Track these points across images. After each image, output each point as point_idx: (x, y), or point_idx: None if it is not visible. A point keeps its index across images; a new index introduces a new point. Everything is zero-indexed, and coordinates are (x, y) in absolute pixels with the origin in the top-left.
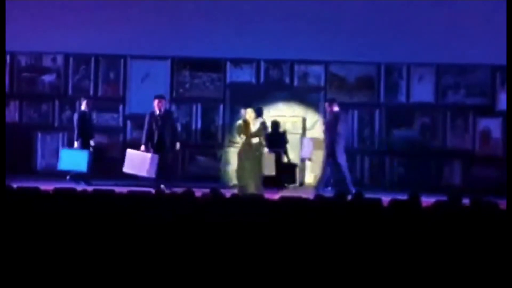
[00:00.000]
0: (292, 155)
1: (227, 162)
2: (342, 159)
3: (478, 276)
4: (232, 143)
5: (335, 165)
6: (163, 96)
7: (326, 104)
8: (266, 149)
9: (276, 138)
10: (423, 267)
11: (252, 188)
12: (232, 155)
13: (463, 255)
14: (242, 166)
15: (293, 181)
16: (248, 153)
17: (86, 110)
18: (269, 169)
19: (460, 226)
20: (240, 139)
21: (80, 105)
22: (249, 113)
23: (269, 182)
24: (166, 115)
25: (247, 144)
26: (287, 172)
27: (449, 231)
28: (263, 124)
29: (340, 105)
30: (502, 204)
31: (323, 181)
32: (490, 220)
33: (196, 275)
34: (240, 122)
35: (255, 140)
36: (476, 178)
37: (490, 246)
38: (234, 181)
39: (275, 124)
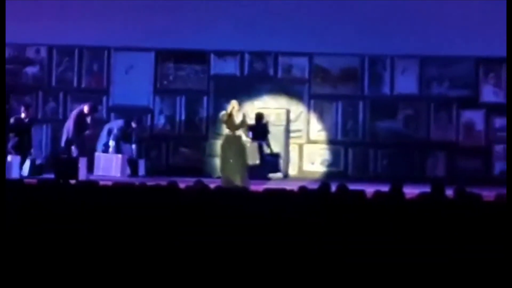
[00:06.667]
0: (277, 147)
1: (211, 154)
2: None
3: (462, 268)
4: (217, 135)
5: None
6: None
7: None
8: (249, 139)
9: (259, 130)
10: (407, 259)
11: (236, 181)
12: (217, 147)
13: (447, 247)
14: (226, 158)
15: (277, 170)
16: (232, 145)
17: (25, 118)
18: (253, 158)
19: (444, 218)
20: (224, 131)
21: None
22: (233, 105)
23: (253, 173)
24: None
25: (230, 136)
26: (270, 162)
27: (433, 223)
28: (244, 116)
29: (324, 97)
30: (485, 195)
31: None
32: (473, 212)
33: (179, 268)
34: (223, 113)
35: (239, 132)
36: (459, 170)
37: (474, 238)
38: (218, 173)
39: (258, 116)
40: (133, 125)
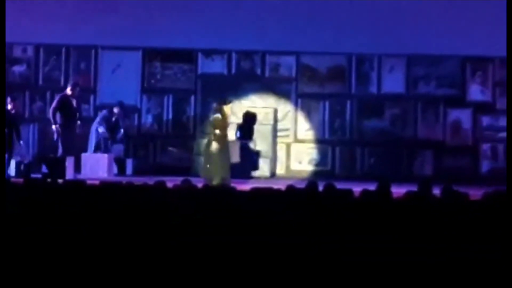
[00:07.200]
0: (264, 146)
1: (199, 153)
2: None
3: (449, 266)
4: (205, 134)
5: None
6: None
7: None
8: (234, 138)
9: (247, 129)
10: (394, 258)
11: (216, 180)
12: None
13: (434, 246)
14: (214, 158)
15: (255, 168)
16: (223, 146)
17: (12, 109)
18: (234, 156)
19: (431, 217)
20: (216, 132)
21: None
22: (229, 107)
23: (235, 172)
24: None
25: (222, 137)
26: (250, 160)
27: (420, 222)
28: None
29: (312, 95)
30: (473, 194)
31: None
32: (460, 210)
33: (167, 267)
34: (218, 116)
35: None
36: (446, 168)
37: (461, 236)
38: (203, 173)
39: (247, 115)
40: (115, 110)
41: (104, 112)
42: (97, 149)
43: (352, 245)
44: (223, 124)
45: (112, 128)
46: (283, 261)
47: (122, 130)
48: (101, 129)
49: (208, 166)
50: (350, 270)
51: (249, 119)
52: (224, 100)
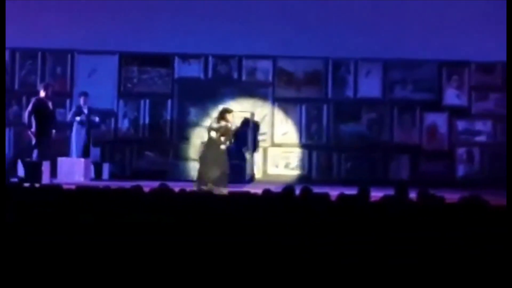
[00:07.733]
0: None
1: (176, 158)
2: None
3: (426, 271)
4: (182, 138)
5: None
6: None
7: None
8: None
9: (242, 134)
10: (370, 260)
11: (211, 185)
12: (182, 150)
13: (409, 249)
14: (217, 163)
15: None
16: (224, 152)
17: None
18: None
19: (407, 220)
20: (221, 139)
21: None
22: (231, 115)
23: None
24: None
25: (224, 143)
26: (244, 165)
27: (396, 225)
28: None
29: (289, 100)
30: (448, 198)
31: None
32: (436, 214)
33: (143, 272)
34: (228, 124)
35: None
36: (422, 172)
37: (436, 240)
38: (184, 176)
39: (245, 121)
40: (82, 101)
41: (73, 109)
42: (85, 154)
43: (329, 247)
44: (229, 132)
45: (87, 116)
46: (258, 262)
47: (97, 118)
48: (78, 118)
49: (206, 171)
50: (327, 271)
51: (247, 125)
52: (226, 108)
